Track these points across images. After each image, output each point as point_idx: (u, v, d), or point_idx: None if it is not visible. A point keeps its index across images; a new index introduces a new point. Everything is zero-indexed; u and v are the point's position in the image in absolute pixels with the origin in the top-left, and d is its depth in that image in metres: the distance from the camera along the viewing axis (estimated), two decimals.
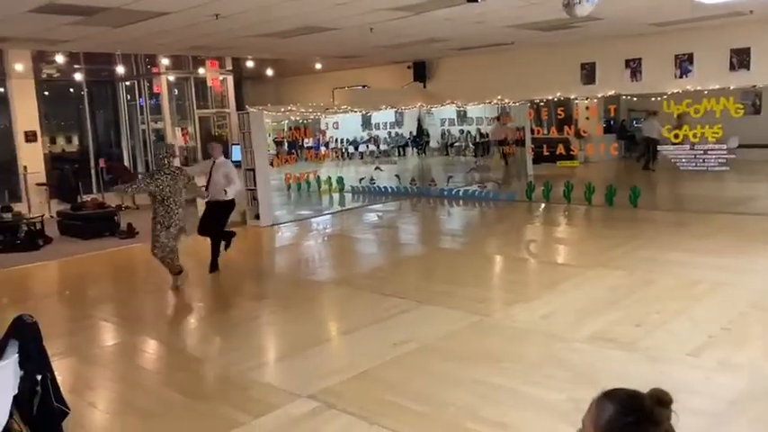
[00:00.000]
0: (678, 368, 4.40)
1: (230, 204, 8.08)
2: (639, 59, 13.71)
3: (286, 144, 16.81)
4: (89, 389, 4.74)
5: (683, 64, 13.11)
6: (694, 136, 10.24)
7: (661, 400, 1.53)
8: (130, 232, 10.80)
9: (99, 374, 5.09)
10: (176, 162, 7.36)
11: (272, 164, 12.64)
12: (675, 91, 11.19)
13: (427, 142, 18.20)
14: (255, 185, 11.31)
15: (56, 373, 3.80)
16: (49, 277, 8.89)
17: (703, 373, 4.32)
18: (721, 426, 3.66)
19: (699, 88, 10.67)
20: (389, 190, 14.94)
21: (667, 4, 9.93)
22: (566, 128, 12.92)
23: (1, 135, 14.23)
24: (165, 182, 7.13)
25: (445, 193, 14.12)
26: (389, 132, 18.60)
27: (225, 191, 7.78)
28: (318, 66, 17.15)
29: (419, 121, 18.01)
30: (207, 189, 7.92)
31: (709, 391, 4.06)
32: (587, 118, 16.84)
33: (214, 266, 8.02)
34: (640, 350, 4.74)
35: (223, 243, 8.16)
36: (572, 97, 13.73)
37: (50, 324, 5.86)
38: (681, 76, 13.08)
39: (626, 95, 12.91)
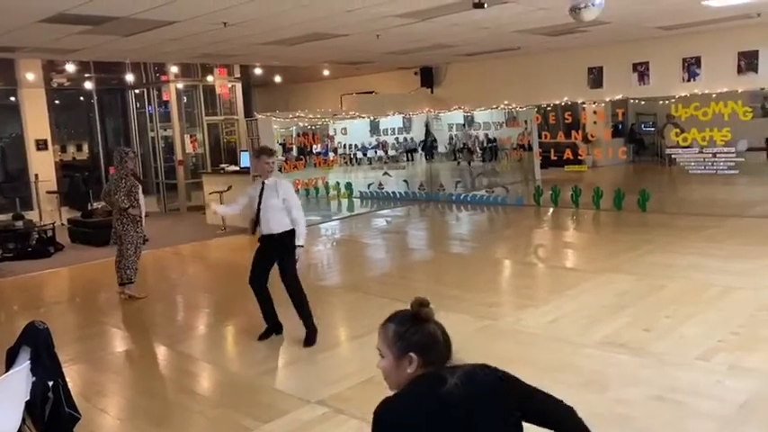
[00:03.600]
0: (688, 372, 4.39)
1: (293, 237, 5.49)
2: (647, 63, 13.69)
3: (295, 150, 16.85)
4: (100, 395, 4.77)
5: (691, 67, 13.08)
6: (703, 139, 10.20)
7: (421, 303, 2.06)
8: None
9: (110, 380, 5.12)
10: (129, 165, 7.31)
11: (280, 170, 12.68)
12: (683, 94, 11.16)
13: (435, 147, 18.21)
14: None
15: (67, 379, 3.84)
16: (60, 284, 8.96)
17: (713, 376, 4.30)
18: (731, 429, 3.65)
19: (707, 91, 10.62)
20: (398, 195, 14.96)
21: (675, 7, 9.92)
22: (573, 132, 12.89)
23: (13, 144, 14.37)
24: (109, 188, 7.34)
25: (453, 197, 14.12)
26: (397, 138, 18.61)
27: (297, 237, 5.46)
28: (326, 72, 17.22)
29: (427, 126, 18.03)
30: (257, 220, 5.54)
31: (720, 394, 4.05)
32: (595, 122, 16.85)
33: (277, 327, 5.74)
34: (650, 354, 4.73)
35: (279, 328, 5.74)
36: (579, 101, 13.72)
37: (62, 331, 5.93)
38: (689, 80, 13.06)
39: (634, 99, 12.89)
